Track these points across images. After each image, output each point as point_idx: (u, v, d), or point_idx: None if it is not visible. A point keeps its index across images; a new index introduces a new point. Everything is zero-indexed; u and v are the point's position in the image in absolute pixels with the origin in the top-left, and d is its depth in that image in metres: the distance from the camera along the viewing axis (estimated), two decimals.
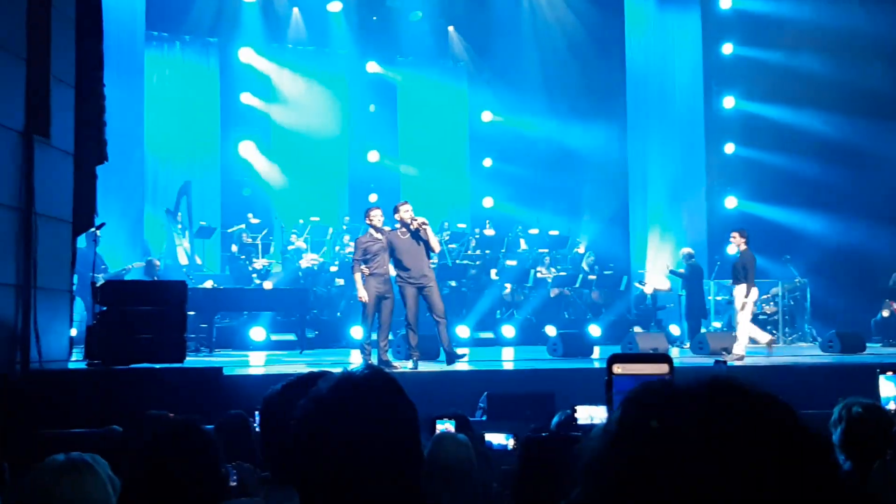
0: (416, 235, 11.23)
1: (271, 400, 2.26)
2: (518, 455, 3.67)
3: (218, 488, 2.39)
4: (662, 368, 1.81)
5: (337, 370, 1.87)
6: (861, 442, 4.02)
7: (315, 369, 2.30)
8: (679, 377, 1.18)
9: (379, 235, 11.34)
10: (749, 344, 13.51)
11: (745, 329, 13.31)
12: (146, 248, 17.53)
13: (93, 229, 10.16)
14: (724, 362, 10.78)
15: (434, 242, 11.44)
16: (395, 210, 11.40)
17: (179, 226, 17.95)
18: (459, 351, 12.08)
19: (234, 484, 3.48)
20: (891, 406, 5.19)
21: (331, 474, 1.74)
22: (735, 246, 13.59)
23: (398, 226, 11.34)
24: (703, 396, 1.11)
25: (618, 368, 1.81)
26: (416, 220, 11.21)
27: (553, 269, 19.32)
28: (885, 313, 17.39)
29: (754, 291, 13.33)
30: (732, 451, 1.04)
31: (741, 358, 12.87)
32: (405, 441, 1.79)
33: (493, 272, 18.70)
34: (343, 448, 1.74)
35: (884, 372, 5.42)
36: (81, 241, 11.82)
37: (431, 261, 11.58)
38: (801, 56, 19.64)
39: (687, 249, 17.28)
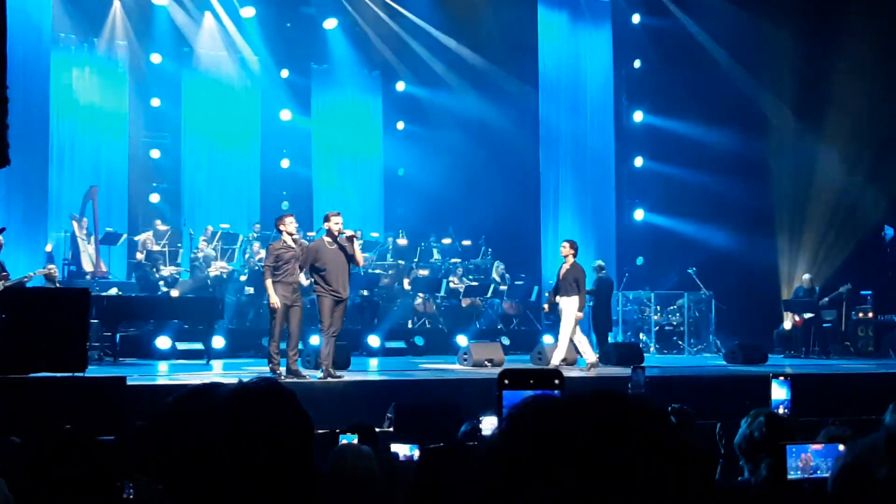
0: (342, 248, 11.13)
1: (162, 413, 2.22)
2: (418, 466, 3.67)
3: (110, 502, 2.35)
4: (552, 384, 1.83)
5: (231, 381, 1.84)
6: (760, 450, 4.13)
7: (209, 381, 2.27)
8: (566, 392, 1.20)
9: (292, 243, 11.23)
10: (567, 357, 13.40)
11: (578, 339, 13.17)
12: (50, 254, 17.10)
13: None
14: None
15: (359, 257, 11.41)
16: (325, 219, 11.29)
17: (84, 231, 17.56)
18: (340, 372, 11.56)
19: (131, 498, 3.42)
20: (780, 409, 5.34)
21: (222, 489, 1.72)
22: (564, 257, 13.41)
23: (322, 234, 11.29)
24: (583, 411, 1.13)
25: (508, 383, 1.83)
26: (345, 232, 11.15)
27: (465, 280, 19.42)
28: (787, 325, 17.85)
29: (577, 304, 13.15)
30: (610, 463, 1.06)
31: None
32: (298, 455, 1.78)
33: (405, 281, 18.72)
34: (234, 462, 1.72)
35: (776, 377, 5.60)
36: None
37: None
38: (708, 70, 20.09)
39: (598, 262, 17.52)
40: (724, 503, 3.64)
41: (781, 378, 5.60)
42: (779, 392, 5.53)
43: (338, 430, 4.92)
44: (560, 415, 1.12)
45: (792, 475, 3.58)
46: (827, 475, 3.50)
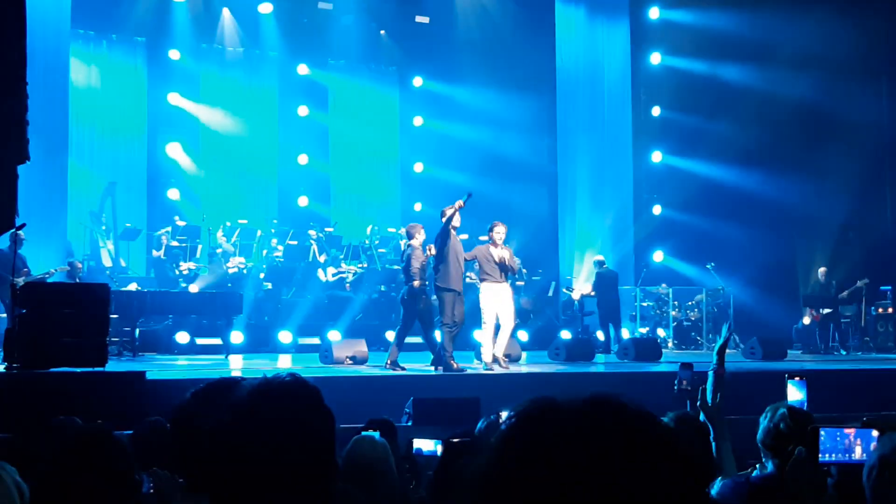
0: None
1: (183, 406, 2.23)
2: (441, 457, 3.69)
3: (128, 496, 2.35)
4: None
5: (244, 377, 1.85)
6: (788, 442, 4.09)
7: (230, 375, 2.28)
8: (566, 394, 1.22)
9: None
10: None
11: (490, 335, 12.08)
12: (69, 249, 17.18)
13: (14, 230, 9.95)
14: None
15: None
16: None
17: (104, 227, 17.64)
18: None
19: (151, 492, 3.42)
20: None
21: (244, 481, 1.73)
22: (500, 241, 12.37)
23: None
24: (583, 413, 1.15)
25: None
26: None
27: None
28: (806, 320, 17.73)
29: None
30: (601, 464, 1.09)
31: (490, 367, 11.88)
32: (321, 450, 1.79)
33: None
34: (258, 456, 1.73)
35: (791, 377, 5.50)
36: (3, 241, 11.59)
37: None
38: (726, 67, 20.01)
39: (598, 257, 17.62)
40: (755, 496, 3.63)
41: (797, 378, 5.49)
42: (794, 393, 5.42)
43: (360, 427, 4.93)
44: (562, 418, 1.15)
45: (824, 458, 3.55)
46: (858, 459, 3.49)
